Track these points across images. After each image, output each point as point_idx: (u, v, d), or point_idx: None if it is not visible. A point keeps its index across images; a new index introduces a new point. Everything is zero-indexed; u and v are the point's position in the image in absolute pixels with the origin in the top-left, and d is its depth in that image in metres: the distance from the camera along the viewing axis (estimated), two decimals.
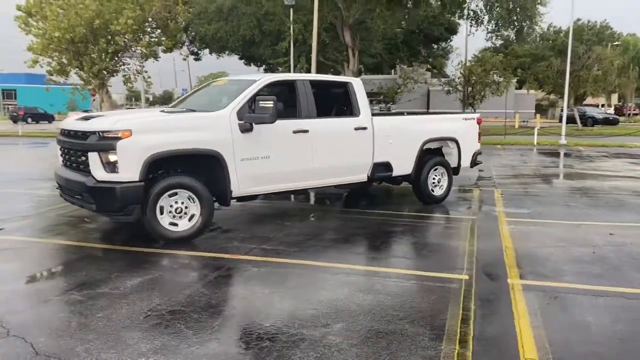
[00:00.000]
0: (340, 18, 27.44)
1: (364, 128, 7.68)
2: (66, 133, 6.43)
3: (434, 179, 8.81)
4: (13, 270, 5.18)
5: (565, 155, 18.63)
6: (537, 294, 4.55)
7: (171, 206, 6.13)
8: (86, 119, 6.45)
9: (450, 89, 35.72)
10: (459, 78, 36.24)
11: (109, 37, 28.69)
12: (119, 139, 5.75)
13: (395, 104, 44.35)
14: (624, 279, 4.95)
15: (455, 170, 9.22)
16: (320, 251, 5.87)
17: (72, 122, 6.57)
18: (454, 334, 3.71)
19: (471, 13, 26.93)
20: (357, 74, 29.82)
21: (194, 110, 6.83)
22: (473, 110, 35.61)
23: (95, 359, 3.30)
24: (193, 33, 28.63)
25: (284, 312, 4.10)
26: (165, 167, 6.20)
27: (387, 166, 8.09)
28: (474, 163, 9.46)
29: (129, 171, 5.77)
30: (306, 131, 7.03)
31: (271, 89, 7.08)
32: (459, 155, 9.07)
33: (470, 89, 35.31)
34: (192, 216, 6.25)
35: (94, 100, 39.39)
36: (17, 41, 34.38)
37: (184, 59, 33.08)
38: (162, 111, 6.88)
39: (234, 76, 7.83)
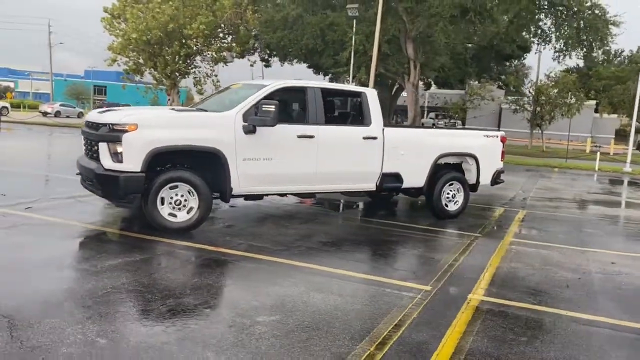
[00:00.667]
0: (403, 30, 27.47)
1: (374, 138, 7.80)
2: (87, 124, 7.03)
3: (448, 193, 8.77)
4: (17, 242, 5.74)
5: (622, 183, 17.68)
6: (488, 310, 4.53)
7: (172, 198, 6.55)
8: (104, 112, 7.03)
9: (517, 107, 34.73)
10: (527, 97, 35.17)
11: (183, 41, 30.13)
12: (125, 131, 6.24)
13: (460, 119, 43.67)
14: (589, 306, 4.81)
15: (473, 187, 9.13)
16: (302, 252, 6.06)
17: (94, 114, 7.17)
18: (378, 337, 3.81)
19: (539, 31, 26.09)
20: (418, 87, 29.70)
21: (205, 110, 7.25)
22: (540, 131, 34.40)
23: (39, 322, 3.69)
24: (260, 40, 29.59)
25: (229, 301, 4.36)
26: (172, 161, 6.63)
27: (396, 177, 8.16)
28: (494, 181, 9.32)
29: (132, 162, 6.24)
30: (311, 137, 7.26)
31: (281, 94, 7.39)
32: (478, 172, 8.96)
33: (538, 109, 34.18)
34: (190, 209, 6.64)
35: (168, 99, 41.56)
36: (108, 40, 36.39)
37: (251, 65, 34.18)
38: (172, 109, 7.36)
39: (250, 81, 8.20)
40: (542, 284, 5.39)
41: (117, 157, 6.29)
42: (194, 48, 31.88)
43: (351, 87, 9.11)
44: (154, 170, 6.45)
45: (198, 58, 33.37)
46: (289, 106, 7.05)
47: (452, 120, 44.97)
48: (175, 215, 6.59)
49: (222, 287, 4.73)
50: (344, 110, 8.43)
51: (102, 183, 6.38)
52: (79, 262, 5.15)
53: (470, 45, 32.71)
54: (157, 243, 6.08)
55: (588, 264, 6.35)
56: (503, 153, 9.37)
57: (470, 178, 9.06)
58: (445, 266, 5.79)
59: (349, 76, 27.25)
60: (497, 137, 9.30)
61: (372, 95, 8.01)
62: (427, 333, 3.96)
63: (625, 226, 9.06)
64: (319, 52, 28.64)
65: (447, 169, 8.83)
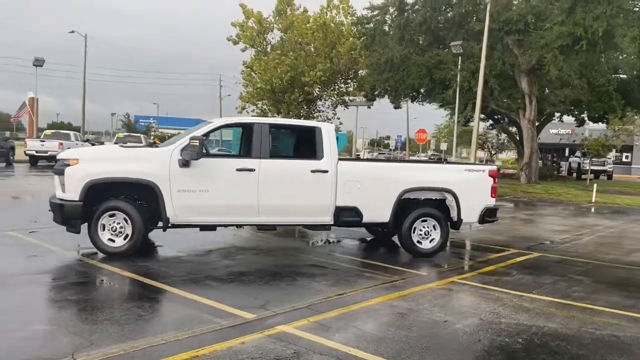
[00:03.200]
0: (517, 64, 26.02)
1: (324, 171, 7.79)
2: None
3: (421, 230, 8.28)
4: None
5: None
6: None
7: (110, 225, 7.29)
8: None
9: None
10: None
11: (303, 88, 32.04)
12: (68, 165, 7.19)
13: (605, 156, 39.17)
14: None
15: (454, 225, 8.49)
16: (198, 281, 6.29)
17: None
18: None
19: None
20: (535, 122, 27.60)
21: (155, 146, 7.97)
22: None
23: None
24: (368, 83, 30.22)
25: (57, 316, 4.84)
26: (114, 192, 7.41)
27: (355, 211, 7.98)
28: (483, 219, 8.56)
29: (72, 192, 7.13)
30: (252, 170, 7.53)
31: (225, 130, 7.83)
32: (459, 209, 8.34)
33: None
34: (126, 235, 7.31)
35: None
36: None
37: (368, 107, 34.86)
38: (121, 145, 8.19)
39: (211, 119, 8.71)
40: (408, 329, 4.95)
41: (62, 187, 7.25)
42: (314, 94, 33.66)
43: (304, 122, 9.17)
44: (98, 200, 7.27)
45: (319, 103, 35.08)
46: (235, 140, 7.39)
47: (601, 159, 40.58)
48: (113, 241, 7.30)
49: (71, 304, 5.24)
50: (294, 144, 8.53)
51: (53, 210, 7.36)
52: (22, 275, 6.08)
53: (614, 76, 29.73)
54: (94, 268, 6.81)
55: (515, 314, 5.59)
56: (494, 189, 8.58)
57: (452, 215, 8.46)
58: (302, 300, 5.59)
59: (455, 113, 26.45)
60: (484, 171, 8.57)
61: (327, 131, 8.02)
62: None
63: None
64: (428, 91, 28.31)
65: (420, 205, 8.37)
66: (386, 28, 30.11)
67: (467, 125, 35.02)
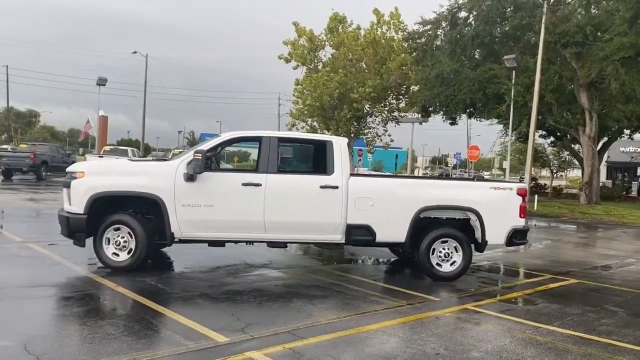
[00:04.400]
0: (575, 78, 24.68)
1: (334, 187, 7.42)
2: None
3: (440, 252, 7.72)
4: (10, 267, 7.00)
5: None
6: None
7: (114, 239, 7.22)
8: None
9: None
10: None
11: (353, 104, 31.79)
12: (75, 178, 7.20)
13: None
14: None
15: (478, 247, 7.88)
16: (188, 300, 6.08)
17: None
18: None
19: None
20: (595, 139, 25.95)
21: (164, 160, 7.87)
22: None
23: None
24: (419, 99, 29.53)
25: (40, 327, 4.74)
26: (121, 205, 7.35)
27: (367, 230, 7.55)
28: (511, 242, 7.88)
29: (77, 205, 7.12)
30: (258, 185, 7.28)
31: (233, 144, 7.64)
32: (483, 229, 7.73)
33: None
34: (130, 250, 7.21)
35: (359, 160, 43.66)
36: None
37: (420, 124, 34.03)
38: (129, 159, 8.14)
39: (222, 133, 8.50)
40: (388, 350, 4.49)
41: (69, 200, 7.26)
42: (364, 110, 33.29)
43: (315, 136, 8.74)
44: (104, 213, 7.23)
45: (369, 119, 34.65)
46: (243, 154, 7.19)
47: None
48: (118, 255, 7.22)
49: (53, 318, 5.13)
50: (304, 159, 8.20)
51: (60, 222, 7.38)
52: (24, 285, 6.12)
53: None
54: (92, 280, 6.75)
55: (510, 344, 5.01)
56: (523, 208, 7.90)
57: (477, 236, 7.85)
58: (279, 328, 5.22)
59: (509, 129, 25.33)
60: (511, 189, 7.91)
61: (338, 145, 7.66)
62: None
63: None
64: (482, 106, 27.30)
65: (441, 225, 7.82)
66: (438, 42, 29.46)
67: (526, 142, 33.51)
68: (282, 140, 7.83)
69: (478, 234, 7.81)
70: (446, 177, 32.82)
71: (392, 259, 9.46)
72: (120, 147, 34.98)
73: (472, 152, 30.59)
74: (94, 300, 5.84)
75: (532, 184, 31.69)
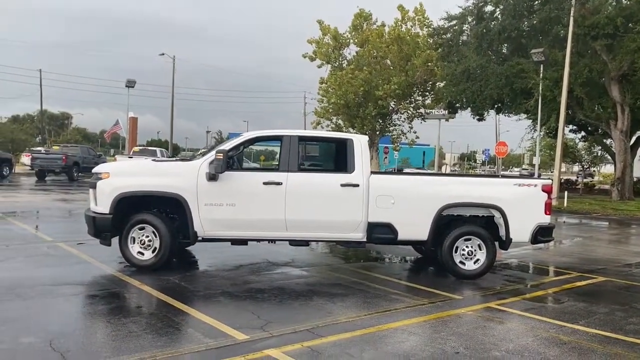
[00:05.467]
0: (606, 71, 24.06)
1: (355, 185, 7.41)
2: None
3: (464, 250, 7.64)
4: (36, 263, 7.20)
5: None
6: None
7: (139, 238, 7.35)
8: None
9: None
10: None
11: (378, 102, 31.66)
12: (100, 179, 7.36)
13: None
14: None
15: (502, 244, 7.77)
16: (210, 297, 6.17)
17: None
18: None
19: None
20: (628, 133, 25.24)
21: (187, 160, 7.97)
22: None
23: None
24: (444, 95, 29.24)
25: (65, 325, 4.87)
26: (146, 205, 7.48)
27: (389, 228, 7.52)
28: (536, 239, 7.74)
29: (103, 205, 7.27)
30: (279, 183, 7.32)
31: (254, 142, 7.71)
32: (507, 227, 7.61)
33: None
34: (154, 249, 7.33)
35: (385, 157, 43.46)
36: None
37: (447, 120, 33.73)
38: (153, 159, 8.25)
39: (243, 132, 8.55)
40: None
41: (95, 200, 7.42)
42: (389, 108, 33.12)
43: (336, 134, 8.67)
44: (129, 213, 7.37)
45: (395, 116, 34.46)
46: (269, 154, 7.25)
47: None
48: (143, 254, 7.35)
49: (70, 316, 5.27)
50: (324, 157, 8.19)
51: (87, 223, 7.54)
52: (51, 283, 6.31)
53: None
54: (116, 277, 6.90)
55: (519, 342, 4.93)
56: (548, 205, 7.76)
57: (501, 234, 7.74)
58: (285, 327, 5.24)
59: (538, 124, 24.85)
60: (536, 186, 7.77)
61: (359, 142, 7.64)
62: None
63: None
64: (510, 101, 26.85)
65: (464, 222, 7.74)
66: (464, 38, 29.10)
67: (554, 137, 32.84)
68: (302, 139, 7.86)
69: (502, 232, 7.70)
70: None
71: (416, 258, 9.40)
72: (149, 148, 35.59)
73: (499, 148, 30.09)
74: (118, 298, 5.96)
75: (563, 180, 31.08)
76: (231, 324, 5.07)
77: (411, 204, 7.52)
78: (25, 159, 32.72)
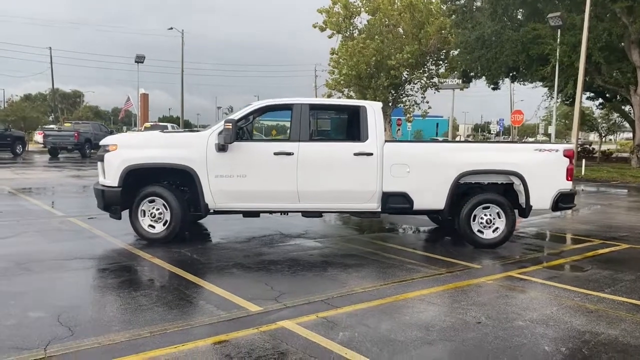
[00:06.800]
0: (626, 35, 23.30)
1: (368, 154, 7.18)
2: None
3: (482, 218, 7.41)
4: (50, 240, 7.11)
5: None
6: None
7: (150, 211, 7.21)
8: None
9: None
10: None
11: (390, 72, 31.07)
12: (108, 151, 7.20)
13: None
14: None
15: (522, 212, 7.53)
16: (223, 269, 6.03)
17: None
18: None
19: None
20: None
21: (196, 131, 7.77)
22: None
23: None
24: (459, 63, 28.60)
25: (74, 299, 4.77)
26: (155, 178, 7.32)
27: (405, 197, 7.30)
28: (557, 206, 7.49)
29: (111, 178, 7.13)
30: (290, 154, 7.11)
31: (263, 112, 7.49)
32: (527, 194, 7.36)
33: None
34: (165, 222, 7.20)
35: (398, 129, 42.94)
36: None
37: (461, 89, 33.09)
38: (161, 131, 8.05)
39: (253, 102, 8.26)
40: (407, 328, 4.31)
41: (104, 173, 7.28)
42: (402, 78, 32.51)
43: (348, 101, 8.37)
44: (139, 186, 7.22)
45: (408, 87, 33.86)
46: (281, 128, 7.03)
47: None
48: (153, 227, 7.23)
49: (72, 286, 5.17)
50: (336, 126, 7.93)
51: (96, 196, 7.42)
52: (61, 258, 6.21)
53: None
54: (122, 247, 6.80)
55: (558, 314, 4.73)
56: (570, 171, 7.47)
57: (521, 201, 7.50)
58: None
59: (555, 91, 24.26)
60: (557, 151, 7.48)
61: (372, 110, 7.37)
62: None
63: None
64: (526, 69, 26.20)
65: (482, 190, 7.50)
66: (478, 3, 28.32)
67: (572, 105, 32.10)
68: (313, 107, 7.61)
69: (522, 199, 7.45)
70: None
71: (432, 227, 9.19)
72: (160, 124, 35.54)
73: (515, 116, 29.50)
74: (129, 271, 5.83)
75: (580, 149, 30.52)
76: (244, 296, 4.93)
77: (427, 172, 7.29)
78: (38, 136, 32.87)
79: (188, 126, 71.06)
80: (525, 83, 31.05)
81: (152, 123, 34.56)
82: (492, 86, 30.74)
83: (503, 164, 7.36)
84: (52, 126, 34.74)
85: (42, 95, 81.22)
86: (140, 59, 37.61)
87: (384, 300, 4.97)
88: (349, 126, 7.79)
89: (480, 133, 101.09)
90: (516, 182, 7.41)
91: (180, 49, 46.46)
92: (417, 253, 7.20)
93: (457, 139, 63.03)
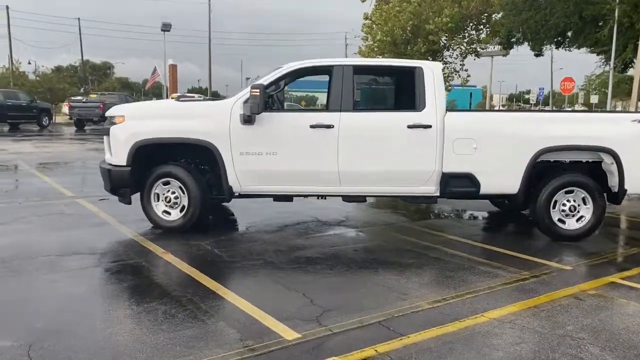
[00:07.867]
0: None
1: (426, 126, 5.86)
2: None
3: (564, 205, 6.06)
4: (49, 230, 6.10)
5: None
6: None
7: (164, 195, 6.09)
8: None
9: None
10: None
11: (428, 37, 29.20)
12: (114, 124, 6.06)
13: None
14: None
15: (614, 198, 6.14)
16: (249, 270, 4.90)
17: None
18: None
19: None
20: None
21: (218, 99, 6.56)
22: None
23: None
24: (504, 26, 26.52)
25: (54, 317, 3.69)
26: (170, 155, 6.18)
27: (469, 179, 5.99)
28: None
29: (118, 156, 6.00)
30: (330, 126, 5.85)
31: (297, 77, 6.23)
32: (621, 175, 5.96)
33: None
34: (183, 207, 6.07)
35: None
36: None
37: (504, 56, 31.01)
38: (177, 99, 6.85)
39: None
40: None
41: (110, 150, 6.17)
42: (440, 44, 30.55)
43: (401, 62, 6.91)
44: (151, 165, 6.09)
45: (446, 53, 31.87)
46: (311, 99, 5.79)
47: None
48: (169, 213, 6.12)
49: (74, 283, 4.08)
50: (387, 93, 6.60)
51: (102, 177, 6.31)
52: (56, 253, 5.15)
53: None
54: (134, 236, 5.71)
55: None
56: None
57: (612, 184, 6.10)
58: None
59: (612, 57, 22.20)
60: None
61: (430, 72, 6.00)
62: None
63: None
64: (576, 33, 24.09)
65: (564, 170, 6.13)
66: None
67: (624, 72, 29.73)
68: (358, 69, 6.30)
69: (614, 181, 6.05)
70: None
71: (490, 212, 7.86)
72: (187, 95, 34.54)
73: (565, 84, 27.36)
74: (133, 274, 4.70)
75: None
76: (276, 313, 3.77)
77: (498, 148, 5.93)
78: (65, 108, 32.28)
79: (217, 97, 70.30)
80: (572, 49, 28.76)
81: (178, 95, 33.49)
82: (535, 53, 28.58)
83: (592, 138, 5.93)
84: (78, 97, 34.08)
85: (72, 67, 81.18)
86: (166, 28, 36.40)
87: (462, 323, 3.73)
88: (402, 92, 6.45)
89: (515, 103, 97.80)
90: (607, 160, 6.00)
91: (213, 20, 45.12)
92: (485, 247, 5.91)
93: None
